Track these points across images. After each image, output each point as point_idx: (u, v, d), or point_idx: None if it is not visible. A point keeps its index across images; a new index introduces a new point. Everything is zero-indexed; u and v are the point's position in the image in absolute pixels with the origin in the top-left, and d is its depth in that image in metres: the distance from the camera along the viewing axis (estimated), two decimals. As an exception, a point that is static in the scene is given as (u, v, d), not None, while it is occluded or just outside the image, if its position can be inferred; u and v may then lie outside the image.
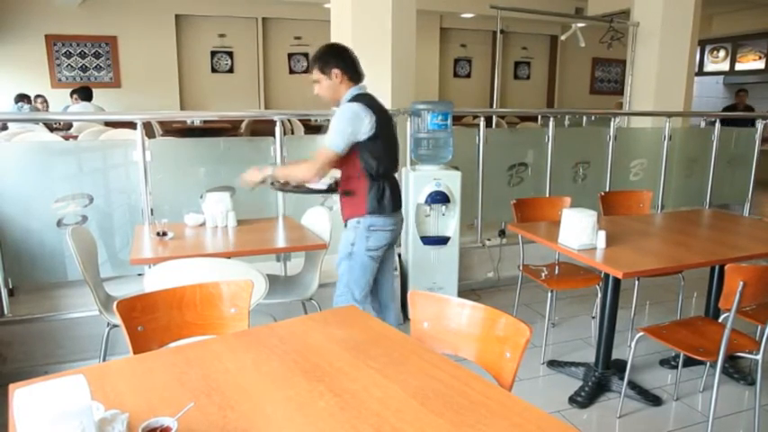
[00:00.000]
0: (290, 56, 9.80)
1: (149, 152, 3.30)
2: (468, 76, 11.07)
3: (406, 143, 3.84)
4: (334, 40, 4.40)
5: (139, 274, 3.09)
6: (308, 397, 1.32)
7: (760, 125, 5.52)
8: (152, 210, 3.33)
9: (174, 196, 3.48)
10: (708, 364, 2.94)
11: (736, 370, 3.09)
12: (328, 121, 2.78)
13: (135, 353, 1.64)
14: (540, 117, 7.00)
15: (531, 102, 11.12)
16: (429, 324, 1.73)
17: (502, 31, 5.69)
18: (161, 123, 6.68)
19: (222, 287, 1.87)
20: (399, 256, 3.94)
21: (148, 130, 3.64)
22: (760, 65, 10.48)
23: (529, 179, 4.57)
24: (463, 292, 3.96)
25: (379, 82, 4.11)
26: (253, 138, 5.19)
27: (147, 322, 1.73)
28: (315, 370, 1.45)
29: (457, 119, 6.15)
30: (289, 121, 7.58)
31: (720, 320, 2.76)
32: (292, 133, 7.32)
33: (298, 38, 9.73)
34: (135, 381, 1.40)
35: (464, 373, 1.42)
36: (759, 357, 2.44)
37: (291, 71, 9.85)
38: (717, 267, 3.07)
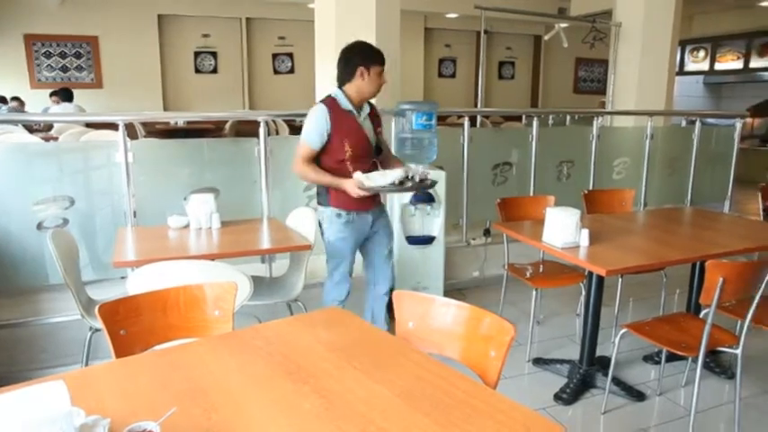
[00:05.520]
0: (275, 56, 9.77)
1: (132, 154, 3.27)
2: (453, 76, 11.11)
3: (391, 143, 3.84)
4: (318, 40, 4.40)
5: (122, 278, 3.06)
6: (292, 399, 1.32)
7: (738, 124, 5.60)
8: (135, 212, 3.30)
9: (157, 198, 3.44)
10: (690, 359, 2.98)
11: (718, 364, 3.14)
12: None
13: (118, 357, 1.62)
14: (524, 116, 7.04)
15: (516, 101, 11.18)
16: (414, 324, 1.74)
17: (486, 32, 5.71)
18: (144, 124, 6.62)
19: (206, 289, 1.85)
20: (385, 256, 3.94)
21: (131, 132, 3.61)
22: (738, 65, 10.64)
23: (513, 178, 4.60)
24: (449, 292, 3.97)
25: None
26: (237, 138, 5.17)
27: (130, 326, 1.71)
28: (300, 371, 1.44)
29: (441, 119, 6.16)
30: (273, 121, 7.55)
31: (702, 316, 2.79)
32: (277, 134, 7.29)
33: (282, 38, 9.71)
34: (117, 385, 1.39)
35: (449, 372, 1.43)
36: (739, 352, 2.48)
37: (276, 71, 9.82)
38: (698, 264, 3.11)
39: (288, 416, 1.25)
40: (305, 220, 2.98)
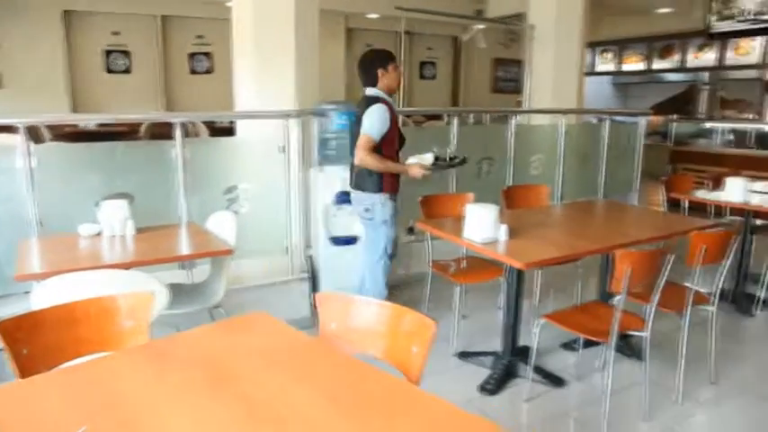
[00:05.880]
0: (192, 55, 9.46)
1: (35, 158, 3.07)
2: (375, 76, 11.15)
3: (312, 144, 3.82)
4: (236, 39, 4.30)
5: (26, 292, 2.87)
6: (213, 407, 1.28)
7: (643, 121, 5.96)
8: (41, 221, 3.10)
9: (66, 205, 3.25)
10: (604, 344, 3.14)
11: (629, 347, 3.32)
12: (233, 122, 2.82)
13: (22, 377, 1.52)
14: (445, 115, 7.17)
15: (437, 100, 11.35)
16: (337, 325, 1.73)
17: (407, 32, 5.78)
18: (51, 127, 6.23)
19: (119, 300, 1.77)
20: (310, 257, 3.91)
21: (35, 135, 3.39)
22: (642, 66, 11.31)
23: (435, 176, 4.67)
24: (375, 291, 3.99)
25: (282, 81, 4.06)
26: (152, 142, 4.97)
27: (34, 343, 1.61)
28: (220, 379, 1.41)
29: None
30: (193, 123, 7.30)
31: (613, 303, 2.95)
32: (196, 136, 7.06)
33: (200, 37, 9.41)
34: (22, 407, 1.30)
35: (372, 371, 1.43)
36: (646, 335, 2.64)
37: (193, 71, 9.51)
38: (609, 254, 3.28)
39: (208, 425, 1.22)
40: (225, 224, 2.92)
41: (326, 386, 1.38)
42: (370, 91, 3.29)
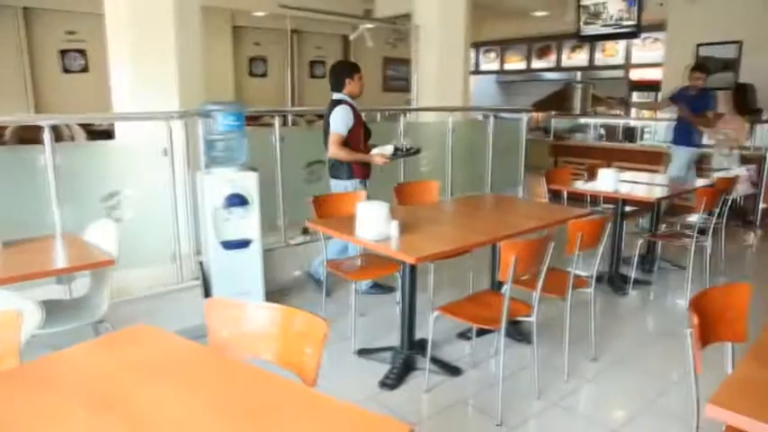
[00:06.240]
0: (63, 53, 8.78)
1: None
2: (265, 75, 10.95)
3: (198, 146, 3.68)
4: (110, 36, 4.04)
5: None
6: (94, 431, 1.19)
7: (525, 118, 6.29)
8: None
9: None
10: (496, 331, 3.27)
11: (519, 332, 3.50)
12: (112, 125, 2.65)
13: None
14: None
15: (328, 99, 11.35)
16: (228, 331, 1.67)
17: (295, 31, 5.72)
18: None
19: (-22, 322, 1.60)
20: (201, 263, 3.77)
21: None
22: (523, 65, 11.95)
23: (328, 176, 4.66)
24: (271, 294, 3.91)
25: (163, 81, 3.88)
26: (17, 147, 4.56)
27: None
28: (102, 399, 1.31)
29: (254, 118, 6.05)
30: (68, 126, 6.78)
31: (502, 291, 3.08)
32: (72, 140, 6.57)
33: (71, 32, 8.75)
34: None
35: (265, 376, 1.39)
36: (533, 319, 2.78)
37: (66, 70, 8.83)
38: (496, 245, 3.43)
39: (84, 451, 1.13)
40: (105, 233, 2.73)
41: (217, 396, 1.32)
42: (336, 95, 3.96)
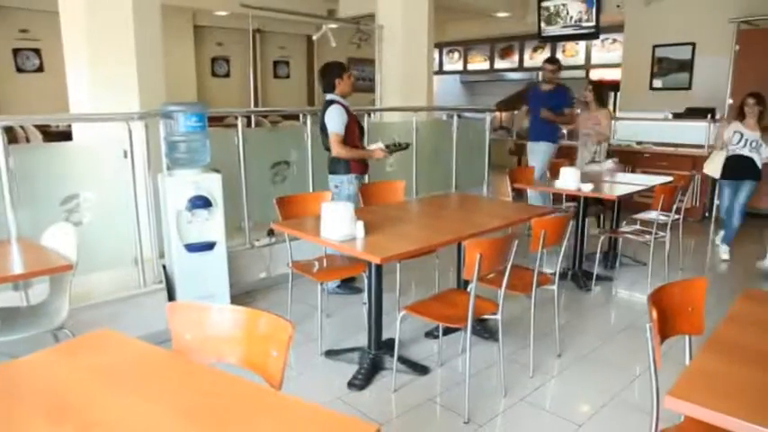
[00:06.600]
0: (17, 51, 8.51)
1: None
2: (228, 75, 10.82)
3: (160, 147, 3.60)
4: (65, 35, 3.93)
5: None
6: (48, 443, 1.15)
7: (488, 117, 6.36)
8: None
9: None
10: (463, 329, 3.30)
11: (486, 330, 3.53)
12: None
13: None
14: (301, 115, 7.13)
15: (293, 100, 11.27)
16: (191, 335, 1.64)
17: (258, 30, 5.66)
18: None
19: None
20: (164, 267, 3.69)
21: None
22: (486, 66, 12.09)
23: (293, 177, 4.64)
24: (237, 296, 3.86)
25: (123, 80, 3.79)
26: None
27: None
28: (62, 408, 1.27)
29: (218, 119, 5.97)
30: (22, 127, 6.57)
31: (468, 290, 3.11)
32: (28, 141, 6.36)
33: (24, 31, 8.48)
34: None
35: (230, 380, 1.37)
36: (499, 317, 2.82)
37: (20, 69, 8.57)
38: (462, 243, 3.45)
39: (41, 463, 1.10)
40: (64, 237, 2.65)
41: (181, 401, 1.30)
42: (329, 96, 4.04)
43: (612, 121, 6.70)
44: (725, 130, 5.21)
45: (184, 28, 9.96)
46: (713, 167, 5.31)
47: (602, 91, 6.17)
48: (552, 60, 6.06)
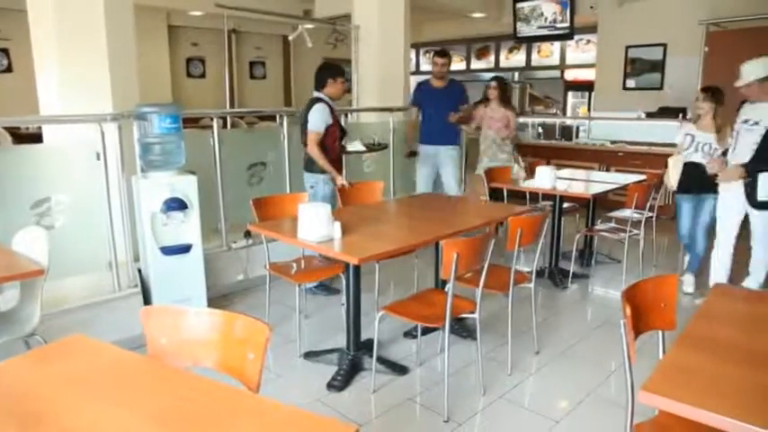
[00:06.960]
0: (-18, 51, 8.32)
1: None
2: (203, 76, 10.71)
3: (134, 149, 3.55)
4: (34, 34, 3.85)
5: None
6: (18, 451, 1.13)
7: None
8: None
9: None
10: (441, 328, 3.31)
11: (464, 329, 3.55)
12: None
13: None
14: (278, 116, 7.09)
15: (269, 101, 11.19)
16: (167, 339, 1.62)
17: (234, 31, 5.60)
18: None
19: None
20: (140, 270, 3.64)
21: None
22: (462, 66, 12.14)
23: (270, 178, 4.61)
24: (214, 299, 3.82)
25: (95, 81, 3.73)
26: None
27: None
28: (34, 416, 1.25)
29: (194, 120, 5.90)
30: (-12, 129, 6.41)
31: (446, 289, 3.12)
32: (-4, 144, 6.21)
33: (-12, 29, 8.30)
34: None
35: (206, 384, 1.36)
36: (477, 316, 2.83)
37: (-13, 70, 8.38)
38: (439, 243, 3.47)
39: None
40: (35, 241, 2.59)
41: (155, 406, 1.28)
42: (316, 93, 4.10)
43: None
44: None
45: (158, 28, 9.84)
46: (672, 177, 4.38)
47: (508, 89, 5.82)
48: (442, 53, 5.40)
